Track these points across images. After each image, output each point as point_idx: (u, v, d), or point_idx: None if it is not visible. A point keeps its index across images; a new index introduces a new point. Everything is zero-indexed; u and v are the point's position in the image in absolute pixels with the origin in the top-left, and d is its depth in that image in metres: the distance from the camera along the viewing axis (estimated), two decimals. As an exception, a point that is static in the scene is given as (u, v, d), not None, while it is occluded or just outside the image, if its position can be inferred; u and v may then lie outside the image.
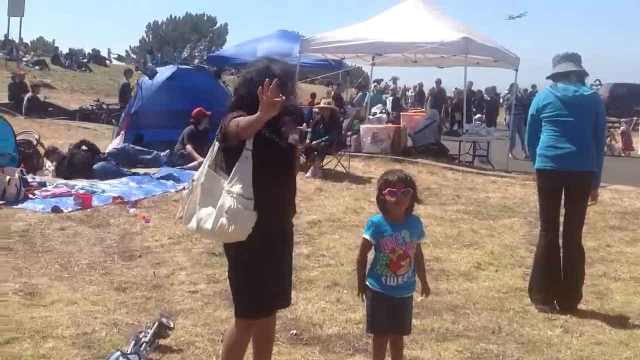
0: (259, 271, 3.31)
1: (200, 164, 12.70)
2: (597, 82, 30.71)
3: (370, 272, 3.70)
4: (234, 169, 3.22)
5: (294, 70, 3.57)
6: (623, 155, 17.50)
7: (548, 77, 5.43)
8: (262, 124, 3.11)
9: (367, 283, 3.70)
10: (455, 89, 27.75)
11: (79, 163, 10.25)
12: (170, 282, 5.61)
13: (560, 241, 5.30)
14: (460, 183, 11.20)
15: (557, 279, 5.25)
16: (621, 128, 18.61)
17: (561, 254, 5.28)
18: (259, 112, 3.04)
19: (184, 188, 9.50)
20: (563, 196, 5.29)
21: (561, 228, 5.31)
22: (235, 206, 3.14)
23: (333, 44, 14.43)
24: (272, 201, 3.27)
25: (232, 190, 3.18)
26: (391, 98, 25.37)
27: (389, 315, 3.66)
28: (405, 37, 13.60)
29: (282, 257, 3.46)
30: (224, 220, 3.16)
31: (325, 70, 18.36)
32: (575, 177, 5.17)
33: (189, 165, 10.98)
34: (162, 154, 11.39)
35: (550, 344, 4.49)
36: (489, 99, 23.00)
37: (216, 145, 3.36)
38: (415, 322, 4.65)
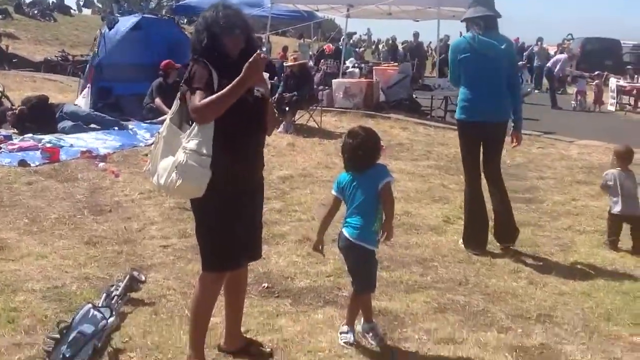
0: (226, 224, 3.29)
1: (169, 117, 12.21)
2: (570, 37, 30.86)
3: (367, 234, 3.70)
4: (193, 124, 3.18)
5: (249, 18, 3.50)
6: (592, 110, 17.71)
7: (462, 21, 5.62)
8: (242, 89, 3.09)
9: (365, 246, 3.70)
10: (430, 42, 27.64)
11: (36, 117, 9.96)
12: (142, 237, 5.60)
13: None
14: (432, 138, 11.27)
15: (486, 223, 5.59)
16: (595, 82, 18.74)
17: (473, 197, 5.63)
18: (237, 80, 3.05)
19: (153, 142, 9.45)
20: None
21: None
22: (185, 162, 3.11)
23: (306, -6, 14.25)
24: (238, 157, 3.25)
25: (187, 147, 3.14)
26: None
27: None
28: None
29: (252, 210, 3.45)
30: (174, 175, 3.14)
31: (297, 22, 18.10)
32: (492, 128, 5.39)
33: (158, 119, 10.83)
34: (131, 125, 10.66)
35: (515, 294, 4.61)
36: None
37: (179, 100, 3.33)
38: (384, 274, 4.77)
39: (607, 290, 4.70)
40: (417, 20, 17.68)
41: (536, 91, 21.85)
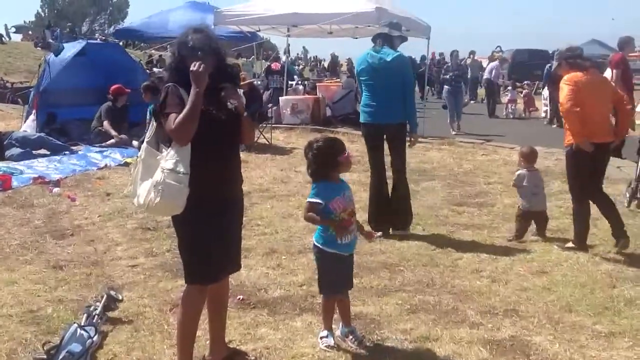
0: (206, 238, 3.38)
1: (117, 141, 12.25)
2: (498, 49, 31.95)
3: (323, 237, 3.84)
4: (171, 144, 3.29)
5: (220, 41, 3.60)
6: (525, 116, 18.45)
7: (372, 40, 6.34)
8: (200, 99, 3.20)
9: (320, 246, 3.84)
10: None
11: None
12: (109, 258, 5.58)
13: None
14: (380, 150, 11.52)
15: (386, 210, 6.39)
16: (524, 91, 19.55)
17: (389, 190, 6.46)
18: (191, 92, 3.19)
19: (106, 165, 9.37)
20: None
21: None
22: (162, 180, 3.22)
23: (249, 15, 14.35)
24: (215, 173, 3.35)
25: (164, 166, 3.24)
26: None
27: (345, 274, 3.91)
28: (321, 9, 13.73)
29: (231, 223, 3.54)
30: (152, 194, 3.24)
31: (240, 42, 18.16)
32: (386, 128, 6.18)
33: (107, 142, 10.74)
34: (80, 150, 10.54)
35: (480, 292, 4.83)
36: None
37: (154, 123, 3.42)
38: (354, 280, 4.86)
39: (565, 284, 4.96)
40: (356, 38, 18.04)
41: (472, 102, 22.60)
